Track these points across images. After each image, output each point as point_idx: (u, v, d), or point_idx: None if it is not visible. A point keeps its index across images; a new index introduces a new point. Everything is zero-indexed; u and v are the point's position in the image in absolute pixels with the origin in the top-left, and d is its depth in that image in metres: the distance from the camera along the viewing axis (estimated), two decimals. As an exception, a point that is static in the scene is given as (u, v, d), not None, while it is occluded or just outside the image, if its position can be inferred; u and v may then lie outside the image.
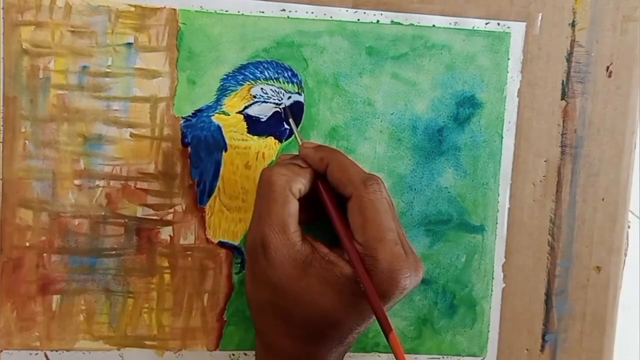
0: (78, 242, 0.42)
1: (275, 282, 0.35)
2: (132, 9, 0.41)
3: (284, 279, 0.35)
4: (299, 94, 0.43)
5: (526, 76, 0.45)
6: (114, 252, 0.42)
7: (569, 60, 0.45)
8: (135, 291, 0.43)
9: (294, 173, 0.37)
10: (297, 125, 0.43)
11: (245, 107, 0.43)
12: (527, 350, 0.46)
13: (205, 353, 0.44)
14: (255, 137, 0.43)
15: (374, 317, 0.35)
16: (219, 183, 0.43)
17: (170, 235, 0.43)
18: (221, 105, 0.42)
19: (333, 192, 0.38)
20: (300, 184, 0.37)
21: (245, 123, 0.43)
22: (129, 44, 0.41)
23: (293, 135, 0.43)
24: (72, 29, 0.41)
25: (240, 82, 0.42)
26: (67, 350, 0.43)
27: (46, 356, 0.43)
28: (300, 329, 0.36)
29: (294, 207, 0.36)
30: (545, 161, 0.46)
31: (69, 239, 0.42)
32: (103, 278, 0.43)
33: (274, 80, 0.43)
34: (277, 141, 0.43)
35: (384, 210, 0.36)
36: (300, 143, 0.40)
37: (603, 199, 0.46)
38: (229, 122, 0.43)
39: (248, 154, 0.43)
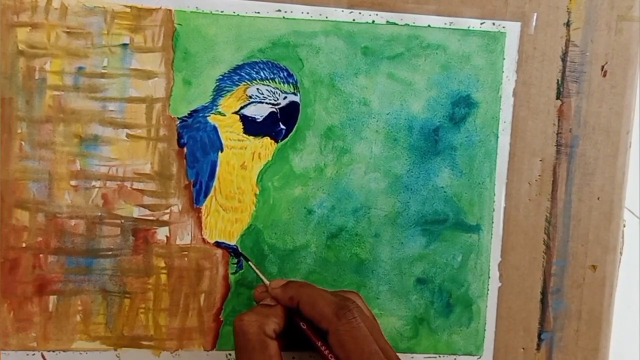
0: (74, 243, 0.42)
1: None
2: (128, 9, 0.41)
3: None
4: (295, 94, 0.43)
5: (521, 76, 0.45)
6: (110, 253, 0.43)
7: (564, 59, 0.45)
8: (132, 291, 0.43)
9: (264, 316, 0.37)
10: (291, 128, 0.43)
11: (241, 108, 0.43)
12: (523, 349, 0.46)
13: (202, 353, 0.44)
14: (251, 138, 0.43)
15: None
16: (215, 183, 0.43)
17: (166, 236, 0.43)
18: (217, 105, 0.43)
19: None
20: (273, 324, 0.37)
21: (241, 123, 0.43)
22: (125, 44, 0.42)
23: (289, 135, 0.43)
24: (68, 30, 0.41)
25: (236, 83, 0.43)
26: (63, 351, 0.43)
27: (43, 356, 0.43)
28: None
29: (273, 349, 0.37)
30: (540, 160, 0.46)
31: (66, 240, 0.42)
32: (99, 278, 0.43)
33: (270, 81, 0.43)
34: (273, 141, 0.43)
35: (363, 336, 0.36)
36: (268, 284, 0.40)
37: (598, 198, 0.46)
38: (225, 122, 0.43)
39: (244, 154, 0.43)
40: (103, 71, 0.42)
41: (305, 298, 0.38)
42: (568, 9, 0.45)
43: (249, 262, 0.43)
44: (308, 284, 0.40)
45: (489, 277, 0.46)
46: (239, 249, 0.43)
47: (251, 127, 0.43)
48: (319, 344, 0.37)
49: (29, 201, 0.42)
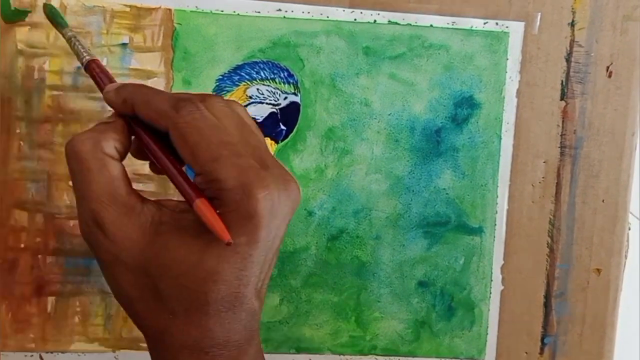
0: (73, 244, 0.42)
1: (129, 260, 0.30)
2: (127, 9, 0.41)
3: (136, 252, 0.29)
4: (295, 94, 0.43)
5: (525, 76, 0.45)
6: (109, 254, 0.42)
7: (568, 60, 0.45)
8: (131, 293, 0.43)
9: (100, 132, 0.31)
10: (292, 128, 0.43)
11: (241, 108, 0.42)
12: (526, 353, 0.46)
13: (201, 355, 0.43)
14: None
15: (259, 256, 0.29)
16: (215, 184, 0.42)
17: (165, 237, 0.42)
18: (217, 106, 0.42)
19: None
20: (113, 140, 0.31)
21: (241, 124, 0.42)
22: (124, 44, 0.41)
23: (290, 136, 0.43)
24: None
25: (236, 83, 0.42)
26: (62, 352, 0.42)
27: (41, 358, 0.42)
28: (180, 303, 0.29)
29: (116, 169, 0.30)
30: (544, 162, 0.45)
31: (64, 241, 0.42)
32: (98, 280, 0.42)
33: (270, 81, 0.42)
34: (273, 142, 0.43)
35: (210, 126, 0.30)
36: (103, 90, 0.33)
37: (603, 201, 0.46)
38: (225, 122, 0.42)
39: (244, 155, 0.42)
40: (102, 71, 0.41)
41: (140, 97, 0.31)
42: (572, 8, 0.44)
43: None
44: (144, 85, 0.34)
45: (492, 280, 0.45)
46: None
47: (251, 127, 0.42)
48: (156, 150, 0.31)
49: (28, 202, 0.41)
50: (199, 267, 0.29)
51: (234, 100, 0.33)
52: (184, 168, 0.31)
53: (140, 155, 0.33)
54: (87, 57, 0.35)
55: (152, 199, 0.32)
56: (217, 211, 0.29)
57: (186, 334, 0.30)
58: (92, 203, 0.30)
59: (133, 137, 0.33)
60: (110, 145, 0.31)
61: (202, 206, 0.28)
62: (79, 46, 0.36)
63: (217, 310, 0.29)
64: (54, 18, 0.38)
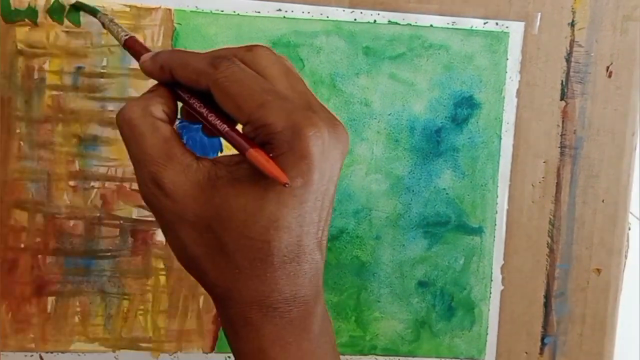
0: (73, 244, 0.42)
1: (191, 217, 0.30)
2: (127, 9, 0.41)
3: (197, 208, 0.29)
4: (295, 94, 0.43)
5: (525, 76, 0.45)
6: (109, 254, 0.42)
7: (568, 60, 0.45)
8: (131, 293, 0.43)
9: (146, 99, 0.31)
10: None
11: (241, 108, 0.42)
12: (526, 353, 0.46)
13: (201, 355, 0.43)
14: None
15: (316, 201, 0.29)
16: (215, 184, 0.42)
17: (165, 237, 0.43)
18: (217, 105, 0.42)
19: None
20: (159, 104, 0.31)
21: (241, 124, 0.42)
22: (124, 44, 0.41)
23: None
24: (67, 30, 0.41)
25: (236, 83, 0.42)
26: (62, 352, 0.42)
27: (41, 358, 0.42)
28: (244, 255, 0.29)
29: (167, 130, 0.30)
30: (544, 162, 0.45)
31: (64, 241, 0.42)
32: (98, 280, 0.42)
33: (270, 81, 0.42)
34: (273, 142, 0.43)
35: (250, 76, 0.30)
36: (140, 61, 0.33)
37: (603, 201, 0.46)
38: (225, 122, 0.42)
39: (244, 155, 0.42)
40: (102, 71, 0.41)
41: (177, 60, 0.31)
42: (572, 8, 0.44)
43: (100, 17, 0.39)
44: (179, 49, 0.33)
45: (492, 280, 0.45)
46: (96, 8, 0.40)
47: (251, 127, 0.42)
48: (206, 111, 0.31)
49: (28, 201, 0.41)
50: (259, 214, 0.29)
51: (280, 55, 0.33)
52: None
53: (190, 117, 0.33)
54: (124, 35, 0.36)
55: None
56: (270, 155, 0.28)
57: (253, 289, 0.30)
58: (150, 165, 0.30)
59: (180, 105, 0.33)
60: (159, 109, 0.31)
61: (254, 153, 0.28)
62: (115, 27, 0.37)
63: (282, 261, 0.29)
64: (84, 9, 0.40)
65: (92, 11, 0.40)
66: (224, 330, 0.32)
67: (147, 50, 0.35)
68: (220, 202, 0.29)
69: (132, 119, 0.30)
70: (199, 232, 0.30)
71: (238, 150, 0.29)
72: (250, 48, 0.31)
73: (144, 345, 0.43)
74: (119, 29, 0.37)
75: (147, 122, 0.30)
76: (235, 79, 0.30)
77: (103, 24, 0.39)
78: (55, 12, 0.41)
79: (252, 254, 0.29)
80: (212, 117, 0.30)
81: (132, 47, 0.35)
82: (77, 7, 0.41)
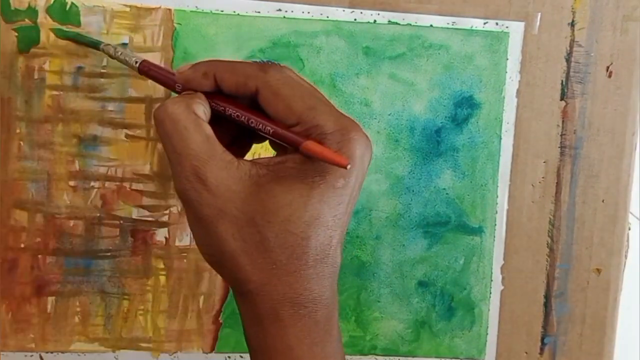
0: (73, 244, 0.42)
1: (233, 212, 0.30)
2: (127, 9, 0.41)
3: (240, 203, 0.30)
4: (295, 94, 0.43)
5: (525, 76, 0.45)
6: (109, 254, 0.42)
7: (568, 60, 0.45)
8: (131, 293, 0.43)
9: (188, 97, 0.32)
10: None
11: (241, 108, 0.42)
12: (526, 353, 0.46)
13: (201, 355, 0.43)
14: (251, 138, 0.43)
15: (349, 202, 0.31)
16: (215, 184, 0.42)
17: (165, 237, 0.42)
18: (217, 106, 0.42)
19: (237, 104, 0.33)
20: (201, 105, 0.32)
21: (241, 124, 0.42)
22: (124, 44, 0.41)
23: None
24: (68, 29, 0.41)
25: (236, 83, 0.42)
26: (62, 352, 0.42)
27: (41, 358, 0.42)
28: (283, 251, 0.30)
29: (208, 129, 0.31)
30: (544, 162, 0.45)
31: (64, 241, 0.42)
32: (98, 280, 0.42)
33: (270, 81, 0.42)
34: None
35: (297, 81, 0.32)
36: (175, 72, 0.34)
37: (603, 201, 0.45)
38: (225, 122, 0.42)
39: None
40: (102, 71, 0.41)
41: (222, 66, 0.33)
42: (572, 8, 0.44)
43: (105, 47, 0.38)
44: (218, 59, 0.35)
45: (492, 280, 0.45)
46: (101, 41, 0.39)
47: (251, 127, 0.42)
48: (245, 117, 0.32)
49: (28, 201, 0.41)
50: (304, 210, 0.30)
51: None
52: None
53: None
54: (136, 61, 0.36)
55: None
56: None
57: (287, 286, 0.31)
58: (193, 159, 0.31)
59: None
60: (200, 108, 0.32)
61: (311, 145, 0.30)
62: (123, 54, 0.37)
63: (315, 259, 0.31)
64: (85, 42, 0.40)
65: (94, 44, 0.39)
66: (246, 327, 0.32)
67: (165, 69, 0.36)
68: (265, 197, 0.31)
69: (176, 114, 0.31)
70: (239, 227, 0.31)
71: (291, 145, 0.31)
72: (277, 64, 0.33)
73: (144, 345, 0.43)
74: (129, 56, 0.37)
75: (191, 118, 0.31)
76: (287, 82, 0.32)
77: (110, 55, 0.38)
78: (55, 12, 0.41)
79: (290, 249, 0.30)
80: (254, 121, 0.32)
81: (149, 71, 0.36)
82: (77, 41, 0.40)
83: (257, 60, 0.42)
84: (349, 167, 0.30)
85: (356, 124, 0.32)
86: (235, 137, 0.35)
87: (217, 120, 0.33)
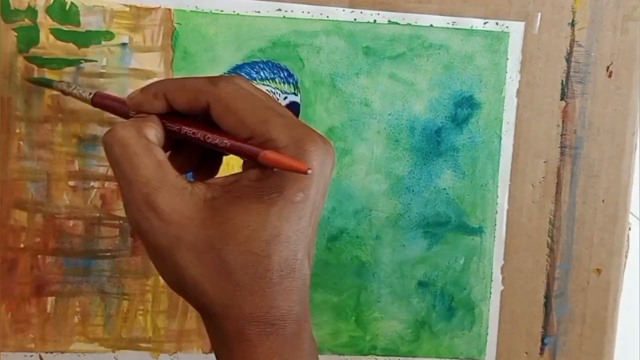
0: (73, 244, 0.42)
1: (190, 238, 0.29)
2: (127, 9, 0.41)
3: (196, 229, 0.29)
4: (295, 94, 0.43)
5: (525, 76, 0.44)
6: (108, 254, 0.42)
7: (568, 60, 0.45)
8: (130, 293, 0.43)
9: (138, 122, 0.31)
10: None
11: (241, 108, 0.42)
12: (526, 353, 0.46)
13: (201, 356, 0.43)
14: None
15: (311, 215, 0.30)
16: (215, 184, 0.42)
17: (165, 237, 0.42)
18: (217, 105, 0.42)
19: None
20: (152, 129, 0.31)
21: (240, 124, 0.42)
22: (124, 44, 0.41)
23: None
24: (67, 30, 0.41)
25: (236, 83, 0.42)
26: (61, 352, 0.42)
27: (41, 358, 0.42)
28: (245, 271, 0.30)
29: (160, 153, 0.30)
30: (544, 162, 0.45)
31: (64, 241, 0.42)
32: (98, 280, 0.42)
33: (270, 81, 0.42)
34: (273, 142, 0.43)
35: (249, 94, 0.31)
36: (125, 98, 0.33)
37: (603, 201, 0.45)
38: (225, 122, 0.42)
39: (244, 155, 0.42)
40: (102, 71, 0.41)
41: (172, 85, 0.32)
42: (573, 8, 0.44)
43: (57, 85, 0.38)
44: (169, 78, 0.34)
45: (492, 280, 0.45)
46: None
47: (251, 127, 0.42)
48: (202, 134, 0.31)
49: (27, 201, 0.41)
50: (262, 229, 0.29)
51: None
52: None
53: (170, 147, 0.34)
54: (89, 94, 0.36)
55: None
56: (276, 169, 0.30)
57: (252, 305, 0.30)
58: (143, 187, 0.30)
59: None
60: (152, 132, 0.31)
61: (269, 154, 0.29)
62: (77, 89, 0.37)
63: (280, 276, 0.30)
64: (40, 82, 0.40)
65: (47, 83, 0.40)
66: (215, 350, 0.32)
67: (118, 98, 0.35)
68: (222, 220, 0.30)
69: (125, 138, 0.30)
70: (197, 253, 0.30)
71: (249, 158, 0.30)
72: (228, 77, 0.33)
73: (143, 345, 0.43)
74: (81, 91, 0.36)
75: (141, 142, 0.30)
76: (238, 94, 0.30)
77: (63, 92, 0.38)
78: (55, 12, 0.41)
79: (252, 269, 0.30)
80: (210, 137, 0.31)
81: (102, 102, 0.35)
82: (33, 82, 0.40)
83: (257, 60, 0.42)
84: (309, 171, 0.29)
85: (313, 132, 0.30)
86: (202, 156, 0.34)
87: (180, 143, 0.32)
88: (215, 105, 0.31)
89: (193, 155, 0.34)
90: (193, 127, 0.31)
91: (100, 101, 0.35)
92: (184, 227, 0.30)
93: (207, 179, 0.31)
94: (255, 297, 0.30)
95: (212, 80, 0.31)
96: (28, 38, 0.41)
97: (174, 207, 0.29)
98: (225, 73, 0.42)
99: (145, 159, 0.30)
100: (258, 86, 0.42)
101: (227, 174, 0.31)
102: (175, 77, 0.33)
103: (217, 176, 0.33)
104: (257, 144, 0.30)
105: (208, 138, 0.31)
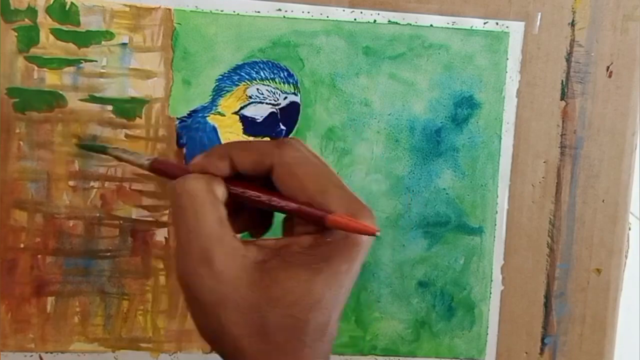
0: (73, 244, 0.42)
1: (237, 299, 0.30)
2: (127, 9, 0.41)
3: (244, 290, 0.30)
4: (295, 94, 0.43)
5: (525, 76, 0.44)
6: (108, 254, 0.42)
7: (568, 60, 0.45)
8: (130, 293, 0.43)
9: (209, 177, 0.32)
10: (292, 128, 0.43)
11: (241, 108, 0.42)
12: (526, 353, 0.46)
13: (201, 356, 0.43)
14: (251, 138, 0.43)
15: (350, 284, 0.31)
16: (215, 184, 0.42)
17: (165, 237, 0.42)
18: (217, 105, 0.42)
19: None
20: (220, 185, 0.32)
21: (240, 124, 0.42)
22: (124, 44, 0.41)
23: (290, 136, 0.43)
24: (67, 29, 0.41)
25: (236, 83, 0.42)
26: (61, 352, 0.42)
27: (41, 358, 0.42)
28: (283, 333, 0.31)
29: (223, 211, 0.31)
30: (544, 162, 0.45)
31: (64, 241, 0.42)
32: (98, 280, 0.42)
33: (270, 81, 0.42)
34: (273, 142, 0.43)
35: (312, 161, 0.32)
36: (189, 165, 0.33)
37: (603, 201, 0.45)
38: (225, 122, 0.42)
39: (244, 155, 0.42)
40: (102, 71, 0.41)
41: (236, 146, 0.33)
42: (573, 8, 0.44)
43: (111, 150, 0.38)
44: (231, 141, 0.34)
45: (492, 280, 0.45)
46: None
47: (251, 127, 0.42)
48: (266, 198, 0.32)
49: (27, 202, 0.41)
50: (307, 295, 0.30)
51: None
52: None
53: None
54: (147, 159, 0.35)
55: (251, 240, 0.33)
56: (328, 239, 0.31)
57: None
58: (203, 240, 0.30)
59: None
60: (220, 189, 0.32)
61: (336, 217, 0.30)
62: (131, 155, 0.36)
63: (312, 339, 0.31)
64: (93, 149, 0.40)
65: (100, 149, 0.39)
66: None
67: (179, 166, 0.35)
68: (270, 283, 0.30)
69: (195, 190, 0.31)
70: (241, 313, 0.30)
71: (315, 221, 0.31)
72: (291, 140, 0.34)
73: (143, 345, 0.43)
74: (137, 156, 0.36)
75: (209, 197, 0.31)
76: (301, 161, 0.32)
77: (118, 158, 0.37)
78: (55, 12, 0.40)
79: (290, 332, 0.31)
80: (276, 200, 0.32)
81: (161, 168, 0.35)
82: (85, 148, 0.41)
83: (257, 60, 0.42)
84: (378, 233, 0.30)
85: (366, 208, 0.32)
86: (249, 218, 0.35)
87: (236, 205, 0.33)
88: (280, 169, 0.32)
89: (250, 217, 0.35)
90: (256, 191, 0.32)
91: (160, 167, 0.35)
92: (233, 287, 0.30)
93: (258, 236, 0.33)
94: (288, 357, 0.31)
95: (278, 143, 0.32)
96: (28, 38, 0.40)
97: (227, 266, 0.30)
98: (225, 73, 0.42)
99: (210, 213, 0.31)
100: (258, 86, 0.42)
101: (279, 237, 0.33)
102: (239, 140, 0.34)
103: (267, 237, 0.34)
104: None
105: (274, 202, 0.32)
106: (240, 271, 0.30)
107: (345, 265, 0.31)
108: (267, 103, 0.42)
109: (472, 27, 0.44)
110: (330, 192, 0.31)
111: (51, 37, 0.41)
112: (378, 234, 0.30)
